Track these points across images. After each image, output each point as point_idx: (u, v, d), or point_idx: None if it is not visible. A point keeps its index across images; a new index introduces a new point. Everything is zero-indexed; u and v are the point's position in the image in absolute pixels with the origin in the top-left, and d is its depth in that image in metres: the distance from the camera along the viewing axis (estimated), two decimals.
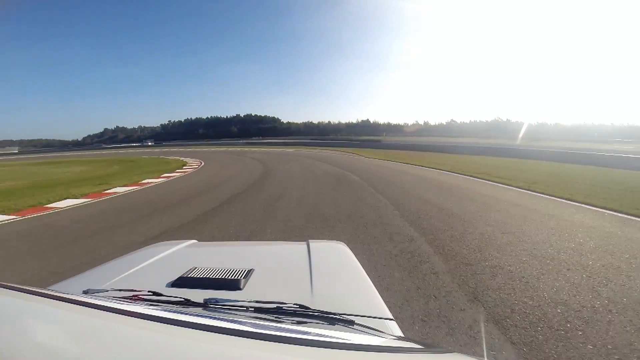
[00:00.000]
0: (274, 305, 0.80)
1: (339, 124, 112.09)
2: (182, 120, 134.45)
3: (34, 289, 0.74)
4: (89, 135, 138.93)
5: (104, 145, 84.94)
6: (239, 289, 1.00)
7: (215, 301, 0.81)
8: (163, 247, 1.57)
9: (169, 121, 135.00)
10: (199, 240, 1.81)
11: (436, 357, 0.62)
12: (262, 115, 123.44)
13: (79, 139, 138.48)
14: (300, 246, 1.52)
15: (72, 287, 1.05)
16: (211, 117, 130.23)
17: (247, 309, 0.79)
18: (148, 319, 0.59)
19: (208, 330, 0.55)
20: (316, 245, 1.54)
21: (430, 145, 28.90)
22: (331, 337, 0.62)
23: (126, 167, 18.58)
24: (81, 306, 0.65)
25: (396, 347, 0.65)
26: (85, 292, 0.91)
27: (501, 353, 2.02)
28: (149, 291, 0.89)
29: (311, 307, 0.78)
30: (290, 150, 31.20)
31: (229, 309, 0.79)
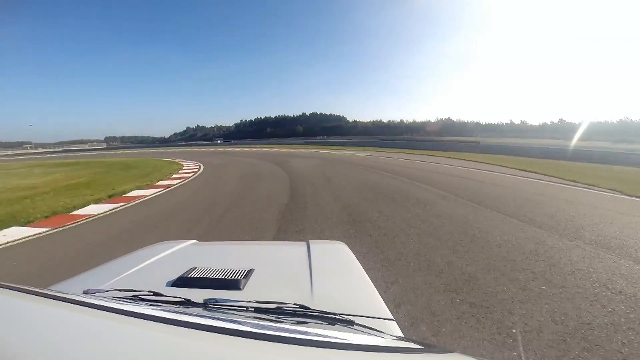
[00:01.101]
0: (274, 305, 0.80)
1: (414, 122, 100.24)
2: (253, 119, 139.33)
3: (34, 289, 0.75)
4: (175, 133, 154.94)
5: (184, 143, 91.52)
6: (239, 289, 1.01)
7: (215, 301, 0.82)
8: (163, 247, 1.58)
9: (241, 120, 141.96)
10: (199, 240, 1.81)
11: (436, 357, 0.62)
12: (327, 113, 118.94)
13: (166, 136, 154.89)
14: (300, 246, 1.54)
15: (72, 287, 1.06)
16: (278, 116, 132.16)
17: (247, 309, 0.79)
18: (148, 319, 0.60)
19: (208, 331, 0.55)
20: (316, 245, 1.56)
21: (550, 150, 19.19)
22: (331, 337, 0.62)
23: (94, 178, 12.52)
24: (81, 306, 0.66)
25: (396, 347, 0.65)
26: (86, 292, 0.91)
27: None
28: (149, 291, 0.89)
29: (311, 307, 0.79)
30: (361, 154, 21.46)
31: (229, 309, 0.80)
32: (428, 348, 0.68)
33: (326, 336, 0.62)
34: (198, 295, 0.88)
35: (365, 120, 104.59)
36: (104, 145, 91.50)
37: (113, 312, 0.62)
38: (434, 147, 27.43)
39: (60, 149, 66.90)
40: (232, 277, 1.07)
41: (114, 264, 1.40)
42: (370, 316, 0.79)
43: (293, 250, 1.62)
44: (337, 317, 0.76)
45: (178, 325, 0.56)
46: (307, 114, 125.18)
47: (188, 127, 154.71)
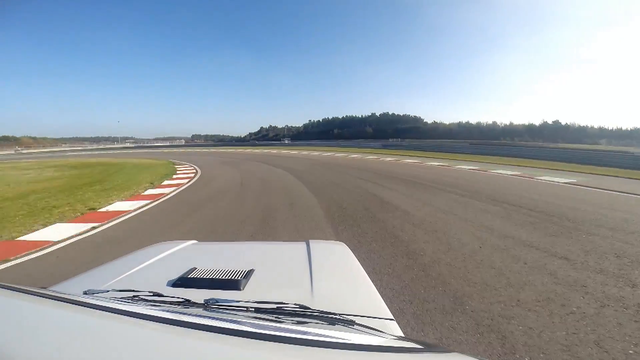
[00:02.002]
0: (274, 306, 0.81)
1: (512, 125, 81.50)
2: (320, 120, 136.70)
3: (34, 290, 0.76)
4: (249, 133, 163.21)
5: (257, 142, 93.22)
6: (239, 289, 1.01)
7: (216, 301, 0.82)
8: (163, 247, 1.59)
9: (309, 121, 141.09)
10: (199, 241, 1.81)
11: (436, 357, 0.62)
12: (401, 114, 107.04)
13: (242, 136, 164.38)
14: (300, 246, 1.55)
15: (72, 287, 1.06)
16: (346, 116, 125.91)
17: (247, 309, 0.80)
18: (148, 320, 0.60)
19: (208, 331, 0.55)
20: (316, 245, 1.57)
21: None
22: (331, 337, 0.63)
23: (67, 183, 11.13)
24: (81, 307, 0.66)
25: (396, 347, 0.65)
26: (86, 293, 0.92)
27: None
28: (149, 291, 0.89)
29: (311, 307, 0.80)
30: (476, 168, 13.81)
31: (229, 309, 0.80)
32: (428, 348, 0.67)
33: (326, 336, 0.63)
34: (198, 295, 0.90)
35: (448, 122, 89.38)
36: (182, 142, 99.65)
37: (113, 313, 0.63)
38: (554, 157, 19.57)
39: (132, 145, 73.98)
40: (232, 277, 1.08)
41: (114, 264, 1.39)
42: (370, 316, 0.80)
43: (293, 250, 1.62)
44: (337, 317, 0.77)
45: (178, 326, 0.57)
46: (377, 114, 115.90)
47: (261, 127, 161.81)
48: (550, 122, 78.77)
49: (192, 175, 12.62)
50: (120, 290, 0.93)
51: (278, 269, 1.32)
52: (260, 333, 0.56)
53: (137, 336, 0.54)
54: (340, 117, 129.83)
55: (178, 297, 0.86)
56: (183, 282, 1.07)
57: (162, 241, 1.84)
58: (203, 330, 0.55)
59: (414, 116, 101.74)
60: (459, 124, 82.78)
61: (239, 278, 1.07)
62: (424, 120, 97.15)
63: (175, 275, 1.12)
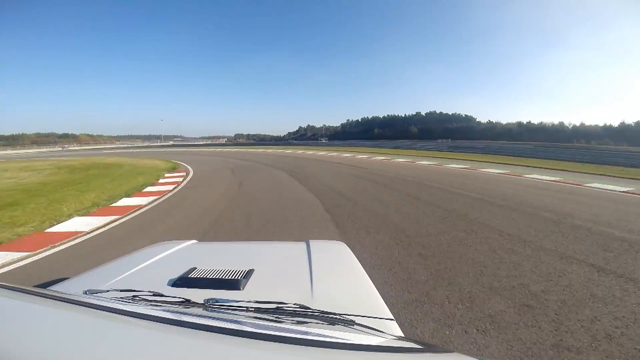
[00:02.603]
0: (274, 305, 0.81)
1: (583, 126, 70.75)
2: (359, 119, 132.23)
3: (34, 290, 0.77)
4: (288, 132, 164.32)
5: (294, 142, 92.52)
6: (239, 289, 1.01)
7: (216, 301, 0.83)
8: (163, 247, 1.59)
9: (347, 120, 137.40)
10: (199, 241, 1.81)
11: (436, 357, 0.61)
12: (450, 113, 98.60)
13: (281, 135, 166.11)
14: (300, 246, 1.55)
15: (72, 287, 1.06)
16: (387, 115, 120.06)
17: (247, 309, 0.79)
18: (149, 320, 0.60)
19: (208, 331, 0.56)
20: (316, 245, 1.57)
21: None
22: (331, 337, 0.63)
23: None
24: (82, 306, 0.66)
25: (396, 347, 0.65)
26: (86, 293, 0.92)
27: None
28: (149, 291, 0.89)
29: (311, 307, 0.80)
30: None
31: (229, 309, 0.80)
32: (428, 348, 0.67)
33: (326, 336, 0.63)
34: (198, 295, 0.90)
35: (504, 122, 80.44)
36: (224, 141, 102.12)
37: (113, 313, 0.63)
38: None
39: (168, 143, 76.50)
40: (232, 277, 1.08)
41: (115, 264, 1.38)
42: (370, 316, 0.80)
43: (293, 250, 1.61)
44: (337, 317, 0.77)
45: (178, 326, 0.57)
46: (423, 113, 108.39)
47: (300, 127, 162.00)
48: (632, 123, 67.05)
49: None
50: (121, 290, 0.93)
51: (278, 269, 1.31)
52: (260, 333, 0.56)
53: (137, 336, 0.53)
54: (380, 116, 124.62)
55: (178, 297, 0.86)
56: (183, 282, 1.06)
57: (162, 241, 1.85)
58: (203, 330, 0.55)
59: (466, 115, 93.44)
60: (519, 124, 73.87)
61: (239, 278, 1.07)
62: (477, 120, 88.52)
63: (175, 275, 1.12)
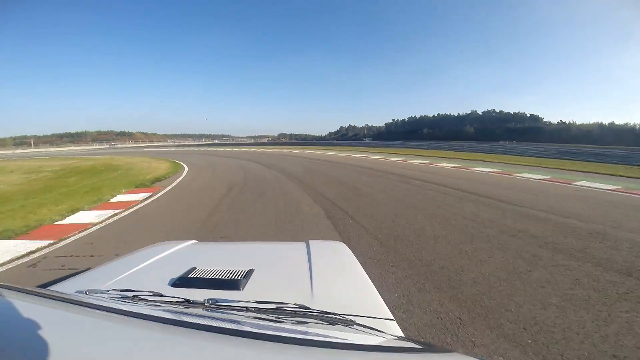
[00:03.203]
0: (274, 305, 0.81)
1: None
2: (405, 119, 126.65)
3: (34, 290, 0.77)
4: (329, 133, 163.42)
5: (334, 142, 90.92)
6: (239, 289, 1.01)
7: (216, 301, 0.82)
8: (163, 247, 1.59)
9: (392, 120, 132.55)
10: (199, 241, 1.81)
11: (436, 357, 0.61)
12: (511, 112, 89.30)
13: (322, 135, 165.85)
14: (300, 246, 1.55)
15: (72, 287, 1.05)
16: (437, 115, 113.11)
17: (247, 309, 0.79)
18: (148, 320, 0.60)
19: (208, 331, 0.56)
20: (316, 245, 1.57)
21: None
22: (331, 337, 0.64)
23: None
24: (82, 306, 0.67)
25: (396, 347, 0.65)
26: (86, 293, 0.93)
27: None
28: (149, 291, 0.89)
29: (311, 307, 0.80)
30: None
31: (229, 309, 0.80)
32: (428, 348, 0.67)
33: (326, 336, 0.64)
34: (198, 295, 0.90)
35: (579, 122, 70.38)
36: (266, 141, 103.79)
37: (113, 313, 0.63)
38: None
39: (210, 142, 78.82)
40: (232, 277, 1.08)
41: (114, 265, 1.37)
42: (370, 316, 0.81)
43: (293, 250, 1.60)
44: (337, 317, 0.77)
45: (178, 326, 0.57)
46: (479, 112, 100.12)
47: (341, 127, 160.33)
48: None
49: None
50: (121, 290, 0.92)
51: (278, 269, 1.31)
52: (260, 333, 0.57)
53: (137, 336, 0.53)
54: (429, 115, 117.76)
55: (178, 297, 0.85)
56: (183, 282, 1.06)
57: (161, 241, 1.82)
58: (203, 330, 0.56)
59: (531, 115, 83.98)
60: (601, 125, 64.06)
61: (239, 278, 1.07)
62: (544, 120, 78.94)
63: (175, 275, 1.11)
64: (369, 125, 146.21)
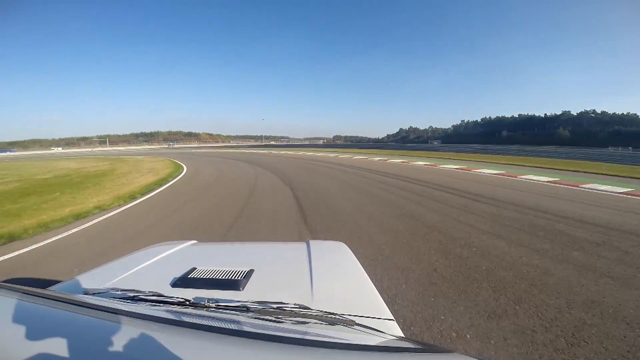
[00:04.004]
0: (274, 305, 0.81)
1: None
2: (479, 120, 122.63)
3: (35, 290, 0.76)
4: (387, 135, 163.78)
5: (393, 144, 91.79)
6: (239, 289, 1.01)
7: (216, 301, 0.83)
8: (163, 248, 1.60)
9: (462, 121, 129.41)
10: (198, 241, 1.82)
11: (436, 357, 0.61)
12: (618, 113, 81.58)
13: (379, 137, 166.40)
14: (301, 246, 1.55)
15: (72, 287, 1.07)
16: (519, 115, 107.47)
17: (247, 309, 0.80)
18: (149, 320, 0.60)
19: (209, 331, 0.57)
20: (316, 245, 1.57)
21: None
22: (331, 337, 0.64)
23: None
24: (82, 307, 0.67)
25: (396, 347, 0.65)
26: (86, 293, 0.94)
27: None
28: (149, 291, 0.90)
29: (311, 307, 0.80)
30: None
31: (230, 309, 0.80)
32: (428, 348, 0.67)
33: (326, 336, 0.64)
34: (198, 295, 0.91)
35: None
36: (321, 142, 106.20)
37: (114, 313, 0.63)
38: None
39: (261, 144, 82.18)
40: (232, 278, 1.08)
41: (115, 265, 1.38)
42: (370, 316, 0.82)
43: (293, 250, 1.60)
44: (337, 317, 0.77)
45: (179, 326, 0.58)
46: (574, 112, 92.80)
47: (400, 129, 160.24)
48: None
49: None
50: (121, 290, 0.93)
51: (278, 269, 1.31)
52: (260, 333, 0.57)
53: (138, 336, 0.54)
54: (507, 116, 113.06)
55: (178, 297, 0.86)
56: (183, 282, 1.07)
57: (161, 242, 1.86)
58: (203, 330, 0.56)
59: None
60: None
61: (239, 278, 1.08)
62: None
63: (175, 275, 1.12)
64: (433, 127, 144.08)
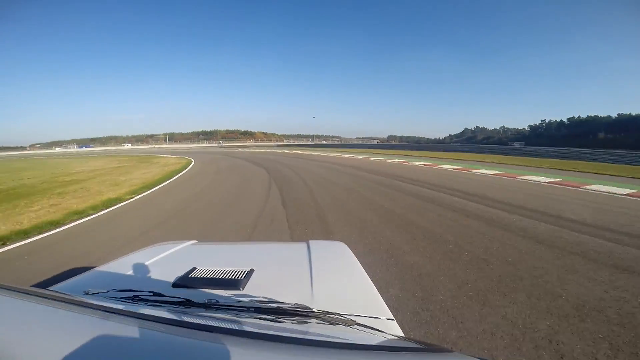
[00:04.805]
0: (274, 305, 0.82)
1: None
2: (564, 120, 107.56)
3: (34, 290, 0.77)
4: (449, 135, 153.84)
5: (456, 145, 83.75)
6: (240, 289, 1.03)
7: (216, 301, 0.83)
8: (163, 248, 1.61)
9: (542, 121, 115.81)
10: (198, 241, 1.83)
11: (436, 357, 0.62)
12: None
13: (440, 138, 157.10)
14: (301, 246, 1.55)
15: (72, 287, 1.08)
16: (618, 115, 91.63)
17: (247, 309, 0.81)
18: (149, 320, 0.61)
19: (209, 331, 0.57)
20: (316, 245, 1.57)
21: None
22: (331, 337, 0.65)
23: None
24: (82, 307, 0.67)
25: (396, 347, 0.66)
26: (86, 293, 0.95)
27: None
28: (149, 291, 0.90)
29: (311, 307, 0.80)
30: None
31: (230, 309, 0.81)
32: (428, 348, 0.67)
33: (326, 336, 0.65)
34: (198, 295, 0.91)
35: None
36: (375, 142, 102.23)
37: (113, 313, 0.63)
38: None
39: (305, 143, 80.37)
40: (233, 277, 1.09)
41: (114, 265, 1.39)
42: (371, 316, 0.82)
43: (293, 250, 1.62)
44: (337, 317, 0.77)
45: (179, 326, 0.58)
46: None
47: (465, 129, 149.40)
48: None
49: None
50: (121, 290, 0.93)
51: (278, 269, 1.32)
52: (260, 333, 0.57)
53: (138, 336, 0.53)
54: (601, 115, 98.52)
55: (178, 297, 0.85)
56: (183, 282, 1.07)
57: (161, 242, 1.86)
58: (203, 330, 0.57)
59: None
60: None
61: (239, 278, 1.08)
62: None
63: (175, 275, 1.12)
64: (505, 126, 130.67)
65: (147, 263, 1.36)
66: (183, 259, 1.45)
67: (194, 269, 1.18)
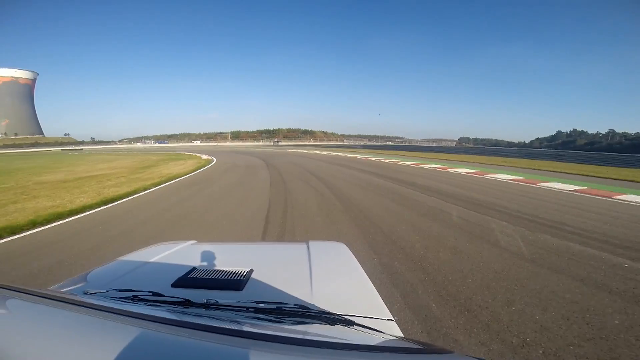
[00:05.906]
0: (274, 306, 0.82)
1: None
2: None
3: (34, 290, 0.77)
4: (537, 138, 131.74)
5: (546, 150, 67.85)
6: (239, 289, 1.03)
7: (216, 302, 0.83)
8: (163, 248, 1.63)
9: None
10: (198, 241, 1.86)
11: (436, 357, 0.62)
12: None
13: (526, 141, 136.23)
14: (300, 246, 1.57)
15: (72, 287, 1.08)
16: None
17: (247, 309, 0.81)
18: (148, 320, 0.61)
19: (208, 331, 0.58)
20: (316, 245, 1.59)
21: None
22: (331, 337, 0.66)
23: None
24: (81, 307, 0.68)
25: (396, 348, 0.66)
26: (86, 293, 0.95)
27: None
28: (149, 291, 0.90)
29: (311, 308, 0.81)
30: None
31: (229, 310, 0.81)
32: (428, 348, 0.67)
33: (326, 336, 0.66)
34: (198, 295, 0.91)
35: None
36: (453, 144, 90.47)
37: (113, 313, 0.63)
38: None
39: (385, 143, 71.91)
40: (232, 278, 1.10)
41: (114, 265, 1.39)
42: (370, 316, 0.83)
43: (293, 251, 1.63)
44: (337, 317, 0.77)
45: (178, 326, 0.59)
46: None
47: (559, 132, 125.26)
48: None
49: None
50: (120, 290, 0.93)
51: (278, 269, 1.33)
52: (260, 333, 0.59)
53: (137, 336, 0.54)
54: None
55: (178, 297, 0.86)
56: (183, 282, 1.07)
57: (161, 242, 1.87)
58: (203, 330, 0.57)
59: None
60: None
61: (239, 278, 1.08)
62: None
63: (175, 275, 1.12)
64: (614, 130, 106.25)
65: (146, 263, 1.37)
66: (183, 259, 1.47)
67: (194, 269, 1.20)
